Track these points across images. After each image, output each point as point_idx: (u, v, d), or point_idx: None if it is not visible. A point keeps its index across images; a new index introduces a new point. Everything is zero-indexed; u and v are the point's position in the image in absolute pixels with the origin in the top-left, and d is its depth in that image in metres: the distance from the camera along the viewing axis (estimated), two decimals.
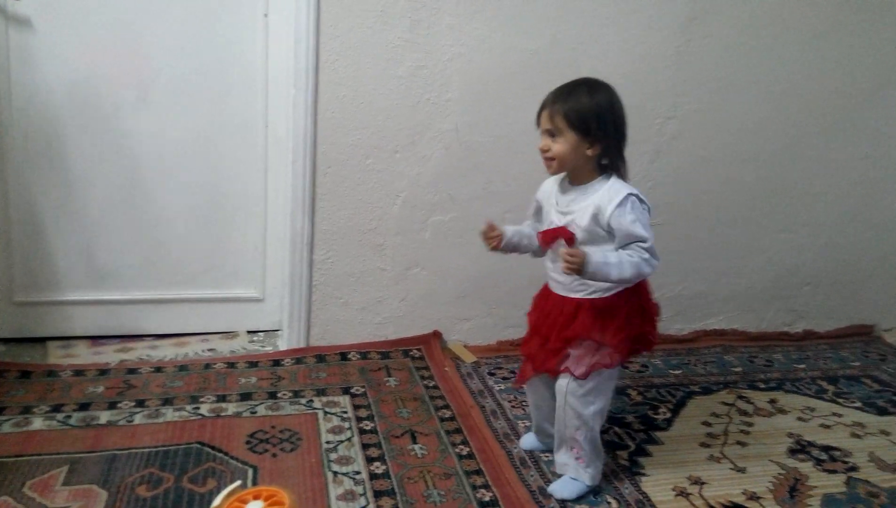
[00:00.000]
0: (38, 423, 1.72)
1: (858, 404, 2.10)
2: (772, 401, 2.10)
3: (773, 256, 2.53)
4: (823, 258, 2.57)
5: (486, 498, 1.54)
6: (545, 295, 1.61)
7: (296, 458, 1.65)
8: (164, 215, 2.18)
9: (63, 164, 2.06)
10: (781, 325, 2.62)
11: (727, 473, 1.72)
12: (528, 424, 1.85)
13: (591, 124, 1.43)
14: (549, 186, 1.59)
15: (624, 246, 1.44)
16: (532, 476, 1.65)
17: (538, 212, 1.62)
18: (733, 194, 2.43)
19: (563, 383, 1.55)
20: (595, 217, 1.45)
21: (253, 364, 2.11)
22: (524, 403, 1.97)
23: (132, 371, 2.01)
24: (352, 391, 1.98)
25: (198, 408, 1.83)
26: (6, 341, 2.12)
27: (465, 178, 2.24)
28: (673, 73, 2.26)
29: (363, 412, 1.87)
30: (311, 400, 1.92)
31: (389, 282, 2.26)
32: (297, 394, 1.95)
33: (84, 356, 2.09)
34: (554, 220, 1.53)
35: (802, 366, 2.37)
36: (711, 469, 1.72)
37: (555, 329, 1.55)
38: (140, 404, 1.84)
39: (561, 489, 1.58)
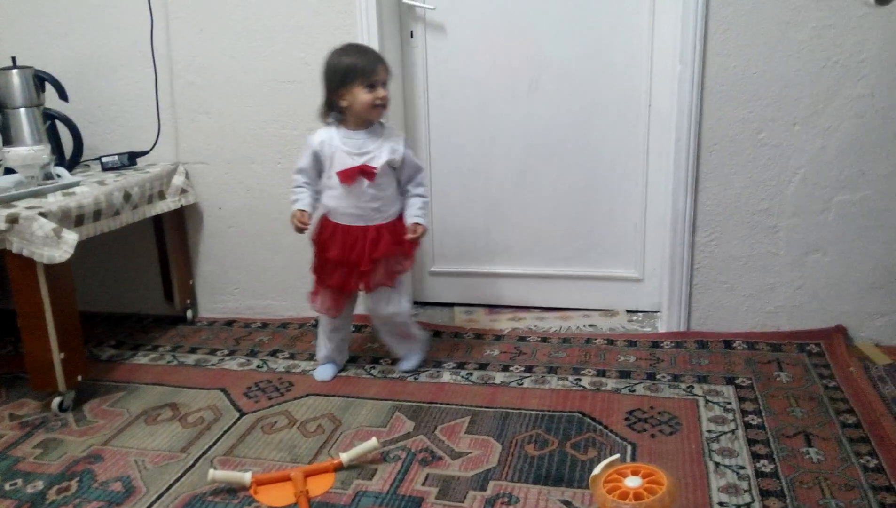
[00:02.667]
0: (446, 376, 1.99)
1: None
2: None
3: None
4: None
5: None
6: (343, 231, 1.87)
7: (675, 442, 1.62)
8: (549, 196, 2.32)
9: (466, 150, 2.34)
10: None
11: None
12: None
13: None
14: (325, 135, 1.86)
15: (411, 178, 1.91)
16: None
17: (315, 160, 1.88)
18: None
19: (384, 295, 1.93)
20: (392, 155, 1.85)
21: (632, 344, 2.13)
22: None
23: (522, 339, 2.20)
24: (736, 381, 1.87)
25: (579, 380, 1.93)
26: (424, 304, 2.51)
27: (881, 150, 1.93)
28: None
29: (749, 406, 1.75)
30: (692, 386, 1.86)
31: (783, 268, 2.06)
32: (676, 378, 1.91)
33: (482, 321, 2.35)
34: (347, 161, 1.83)
35: None
36: None
37: (363, 255, 1.86)
38: (528, 369, 2.00)
39: (412, 363, 2.05)
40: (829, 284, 2.05)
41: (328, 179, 1.87)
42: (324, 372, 2.03)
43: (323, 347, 2.05)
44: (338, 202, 1.87)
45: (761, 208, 2.04)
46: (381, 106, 1.82)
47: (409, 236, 1.88)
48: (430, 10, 2.23)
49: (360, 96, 1.79)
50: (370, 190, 1.85)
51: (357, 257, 1.87)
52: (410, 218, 1.89)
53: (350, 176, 1.84)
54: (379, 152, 1.84)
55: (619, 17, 2.12)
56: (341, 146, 1.85)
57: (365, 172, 1.83)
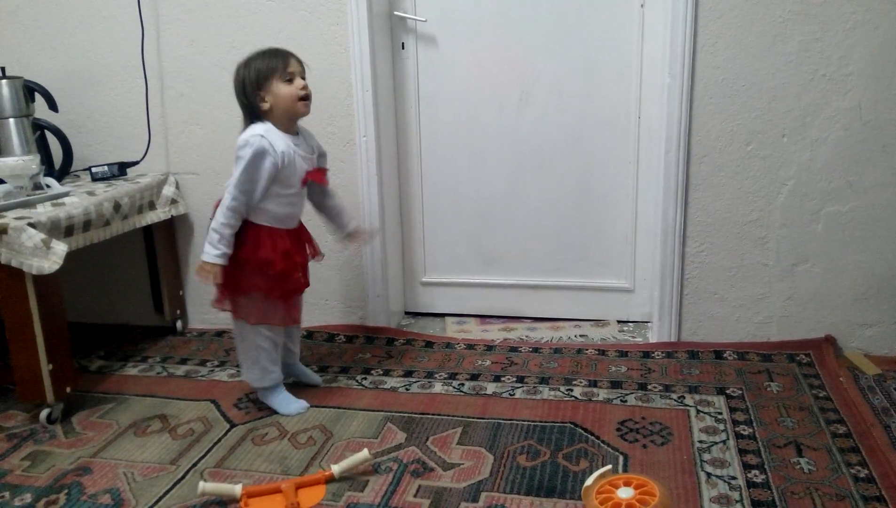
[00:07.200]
0: (438, 387, 1.99)
1: None
2: None
3: None
4: None
5: None
6: (293, 234, 1.84)
7: (666, 452, 1.62)
8: (540, 207, 2.33)
9: (457, 161, 2.34)
10: None
11: None
12: None
13: None
14: (278, 143, 1.72)
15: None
16: None
17: (278, 172, 1.73)
18: None
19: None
20: (321, 152, 1.88)
21: (623, 354, 2.13)
22: None
23: (514, 350, 2.20)
24: (727, 391, 1.88)
25: (571, 390, 1.93)
26: (415, 314, 2.51)
27: (868, 162, 1.95)
28: None
29: (740, 416, 1.76)
30: (683, 397, 1.87)
31: (773, 278, 2.08)
32: (667, 388, 1.91)
33: (474, 332, 2.35)
34: (304, 166, 1.78)
35: None
36: None
37: (303, 256, 1.90)
38: (520, 380, 2.00)
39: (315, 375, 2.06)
40: (819, 294, 2.06)
41: (283, 187, 1.76)
42: (298, 405, 1.89)
43: (274, 368, 1.87)
44: (291, 208, 1.81)
45: (751, 218, 2.06)
46: (305, 98, 1.75)
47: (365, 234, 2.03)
48: (422, 23, 2.24)
49: (281, 90, 1.72)
50: (303, 191, 1.85)
51: (303, 258, 1.91)
52: (352, 223, 1.98)
53: (322, 178, 1.86)
54: (315, 152, 1.85)
55: (608, 30, 2.15)
56: (297, 149, 1.77)
57: (325, 173, 1.88)
